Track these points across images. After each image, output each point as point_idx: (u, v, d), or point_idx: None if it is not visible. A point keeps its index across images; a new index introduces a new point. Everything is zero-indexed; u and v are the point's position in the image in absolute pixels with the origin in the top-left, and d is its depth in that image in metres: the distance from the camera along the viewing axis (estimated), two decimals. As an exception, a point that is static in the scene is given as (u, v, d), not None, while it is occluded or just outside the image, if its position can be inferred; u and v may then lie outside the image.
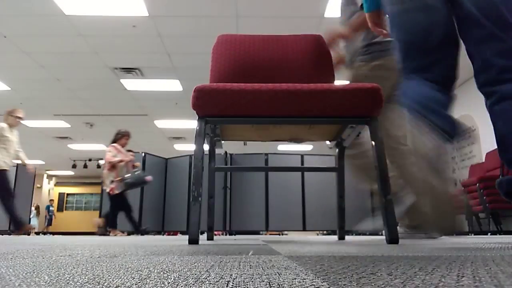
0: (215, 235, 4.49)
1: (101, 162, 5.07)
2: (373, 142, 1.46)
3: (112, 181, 5.24)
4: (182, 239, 2.38)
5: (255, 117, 1.49)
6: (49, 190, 17.42)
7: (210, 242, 1.79)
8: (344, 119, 1.54)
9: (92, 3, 4.62)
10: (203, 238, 2.12)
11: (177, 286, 0.39)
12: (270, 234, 9.33)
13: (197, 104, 1.47)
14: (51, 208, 16.37)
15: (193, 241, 1.35)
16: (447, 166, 1.16)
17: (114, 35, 5.36)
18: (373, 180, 1.97)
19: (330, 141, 2.00)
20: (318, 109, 1.45)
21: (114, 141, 5.48)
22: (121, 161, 5.32)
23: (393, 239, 1.35)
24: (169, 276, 0.46)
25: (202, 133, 1.47)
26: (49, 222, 16.01)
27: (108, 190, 5.24)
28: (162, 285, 0.40)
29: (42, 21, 4.99)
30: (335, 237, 2.89)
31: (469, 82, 6.49)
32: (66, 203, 18.16)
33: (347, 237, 2.78)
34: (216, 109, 1.47)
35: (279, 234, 10.56)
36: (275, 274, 0.46)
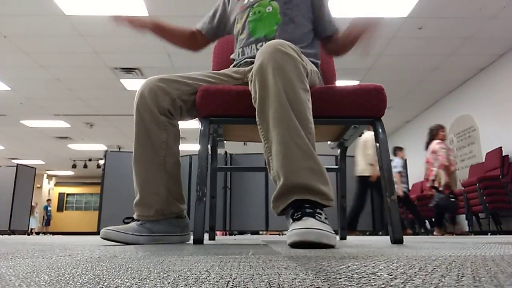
0: (217, 235, 4.49)
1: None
2: (377, 144, 1.46)
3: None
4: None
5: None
6: (49, 190, 17.42)
7: (211, 242, 1.79)
8: (348, 119, 1.54)
9: (92, 3, 4.61)
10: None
11: (177, 286, 0.39)
12: (270, 234, 9.33)
13: (202, 104, 1.47)
14: (49, 208, 16.36)
15: (198, 241, 1.35)
16: None
17: (114, 35, 5.35)
18: None
19: (332, 142, 2.00)
20: (322, 110, 1.45)
21: (432, 138, 5.07)
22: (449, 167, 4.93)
23: (397, 239, 1.35)
24: (169, 276, 0.46)
25: (207, 133, 1.47)
26: (47, 222, 15.98)
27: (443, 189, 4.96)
28: (162, 285, 0.40)
29: (42, 21, 4.99)
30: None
31: (469, 82, 6.52)
32: (66, 203, 18.16)
33: (348, 237, 2.77)
34: (220, 109, 1.47)
35: (279, 234, 10.56)
36: (275, 274, 0.46)
